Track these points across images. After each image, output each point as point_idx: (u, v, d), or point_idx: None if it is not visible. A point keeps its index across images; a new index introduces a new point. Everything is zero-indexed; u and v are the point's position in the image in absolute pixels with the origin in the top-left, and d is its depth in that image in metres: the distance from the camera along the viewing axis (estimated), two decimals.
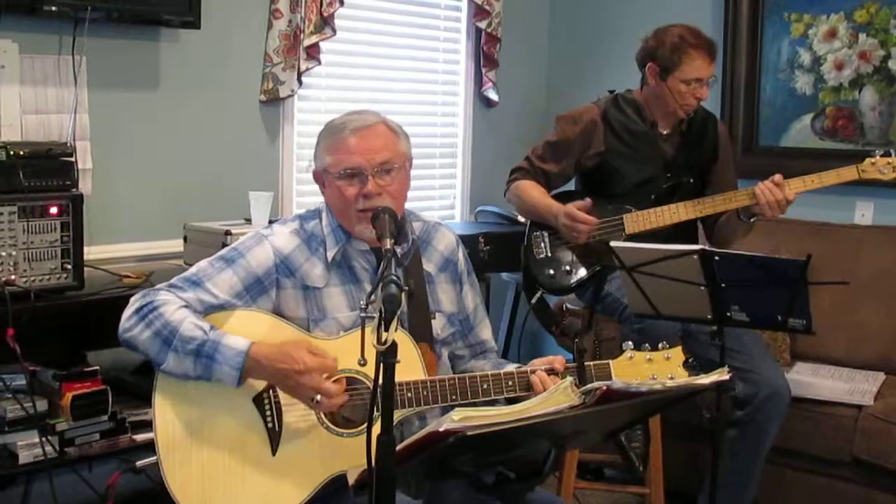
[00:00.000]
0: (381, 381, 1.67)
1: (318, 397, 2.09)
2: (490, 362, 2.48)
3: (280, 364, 2.10)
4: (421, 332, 2.30)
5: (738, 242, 3.46)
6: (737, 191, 3.41)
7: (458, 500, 2.26)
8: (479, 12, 4.63)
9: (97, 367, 2.92)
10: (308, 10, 3.88)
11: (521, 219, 3.95)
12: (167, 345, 2.12)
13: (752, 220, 3.37)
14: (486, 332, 2.55)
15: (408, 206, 2.39)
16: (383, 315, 1.67)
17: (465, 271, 2.52)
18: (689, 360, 2.37)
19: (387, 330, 1.66)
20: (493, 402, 2.21)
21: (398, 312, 1.69)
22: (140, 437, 2.93)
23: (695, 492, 3.47)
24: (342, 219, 2.31)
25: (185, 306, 2.17)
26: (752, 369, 3.25)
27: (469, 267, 2.54)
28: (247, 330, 2.20)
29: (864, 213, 4.23)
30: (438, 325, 2.40)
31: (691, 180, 3.49)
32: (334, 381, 2.10)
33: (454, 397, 2.20)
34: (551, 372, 2.23)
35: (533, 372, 2.24)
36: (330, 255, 2.30)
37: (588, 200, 3.41)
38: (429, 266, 2.43)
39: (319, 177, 2.35)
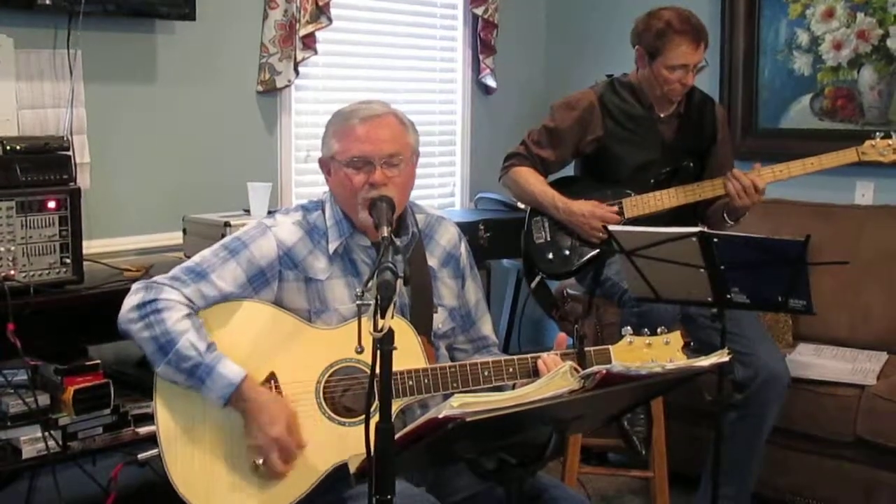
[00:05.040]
0: (378, 368, 1.67)
1: (261, 462, 2.12)
2: (492, 357, 2.48)
3: (259, 414, 2.12)
4: (421, 325, 2.30)
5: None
6: (713, 180, 3.42)
7: (462, 487, 2.27)
8: None
9: (99, 361, 2.92)
10: (303, 0, 3.86)
11: (520, 205, 3.95)
12: (162, 354, 2.13)
13: (737, 221, 3.39)
14: (487, 326, 2.55)
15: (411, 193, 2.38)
16: (379, 302, 1.67)
17: (468, 265, 2.51)
18: (691, 344, 2.37)
19: (383, 317, 1.66)
20: (497, 389, 2.21)
21: (394, 300, 1.69)
22: (143, 430, 2.94)
23: (697, 474, 3.47)
24: (346, 206, 2.30)
25: (188, 315, 2.16)
26: (751, 353, 3.25)
27: (471, 261, 2.53)
28: (248, 323, 2.22)
29: (864, 193, 4.22)
30: (439, 320, 2.39)
31: (691, 164, 3.48)
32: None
33: (455, 385, 2.20)
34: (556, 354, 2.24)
35: (538, 357, 2.24)
36: (332, 247, 2.30)
37: (615, 208, 3.44)
38: (431, 260, 2.42)
39: (325, 164, 2.34)
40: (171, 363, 2.12)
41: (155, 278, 2.23)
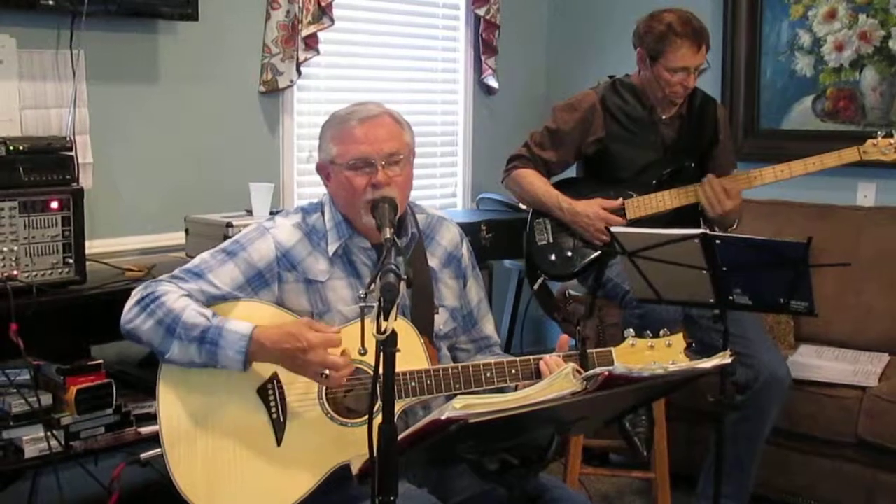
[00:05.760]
0: (381, 370, 1.68)
1: (327, 372, 2.08)
2: (495, 357, 2.48)
3: (284, 345, 2.10)
4: (423, 326, 2.30)
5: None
6: (689, 186, 3.42)
7: (463, 488, 2.27)
8: (477, 0, 4.61)
9: (101, 361, 2.92)
10: (306, 1, 3.87)
11: (522, 206, 3.95)
12: (170, 333, 2.13)
13: (726, 230, 3.40)
14: (489, 326, 2.55)
15: (410, 195, 2.38)
16: (382, 304, 1.68)
17: (470, 266, 2.51)
18: (692, 345, 2.37)
19: (386, 319, 1.66)
20: (499, 391, 2.21)
21: (397, 301, 1.69)
22: (145, 429, 2.94)
23: (698, 474, 3.47)
24: (348, 210, 2.30)
25: (187, 295, 2.18)
26: (752, 354, 3.25)
27: (473, 261, 2.53)
28: (249, 320, 2.21)
29: (866, 193, 4.22)
30: (441, 320, 2.39)
31: (692, 164, 3.48)
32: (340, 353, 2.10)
33: (458, 386, 2.20)
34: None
35: (540, 359, 2.24)
36: (331, 249, 2.30)
37: (620, 200, 3.44)
38: (432, 261, 2.42)
39: (324, 168, 2.34)
40: (182, 337, 2.12)
41: (153, 280, 2.24)
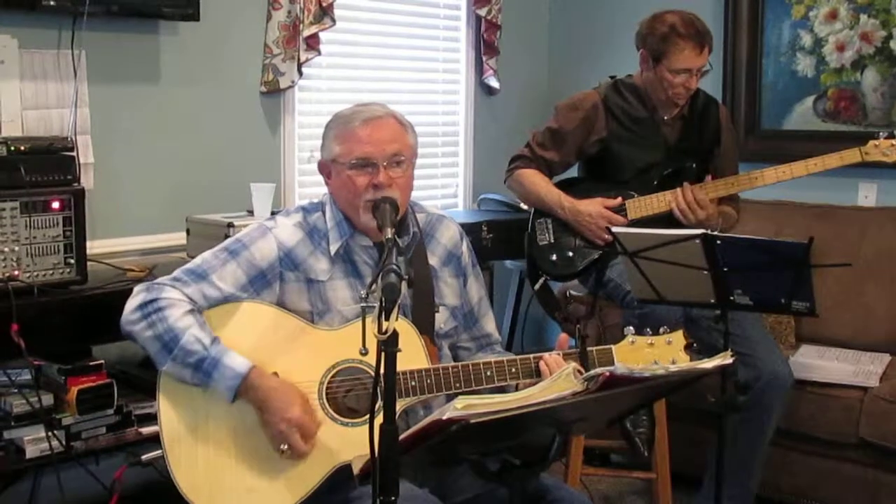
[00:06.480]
0: (382, 370, 1.68)
1: (285, 447, 2.12)
2: (495, 355, 2.48)
3: (272, 401, 2.13)
4: (423, 325, 2.30)
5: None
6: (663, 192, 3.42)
7: (464, 488, 2.27)
8: (478, 0, 4.61)
9: (102, 361, 2.92)
10: (307, 1, 3.87)
11: (524, 206, 3.95)
12: (167, 351, 2.14)
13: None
14: (490, 324, 2.55)
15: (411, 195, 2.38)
16: (383, 304, 1.68)
17: (470, 264, 2.51)
18: (693, 345, 2.37)
19: (387, 319, 1.66)
20: (500, 390, 2.21)
21: (398, 301, 1.69)
22: (146, 429, 2.94)
23: (699, 475, 3.46)
24: (348, 209, 2.30)
25: (191, 311, 2.17)
26: (753, 354, 3.25)
27: (473, 259, 2.53)
28: (250, 324, 2.22)
29: (867, 194, 4.22)
30: (441, 319, 2.40)
31: (693, 165, 3.48)
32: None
33: (458, 385, 2.21)
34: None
35: (539, 358, 2.24)
36: (333, 248, 2.30)
37: (619, 199, 3.43)
38: (432, 260, 2.43)
39: (325, 167, 2.35)
40: (177, 359, 2.13)
41: (156, 280, 2.24)
